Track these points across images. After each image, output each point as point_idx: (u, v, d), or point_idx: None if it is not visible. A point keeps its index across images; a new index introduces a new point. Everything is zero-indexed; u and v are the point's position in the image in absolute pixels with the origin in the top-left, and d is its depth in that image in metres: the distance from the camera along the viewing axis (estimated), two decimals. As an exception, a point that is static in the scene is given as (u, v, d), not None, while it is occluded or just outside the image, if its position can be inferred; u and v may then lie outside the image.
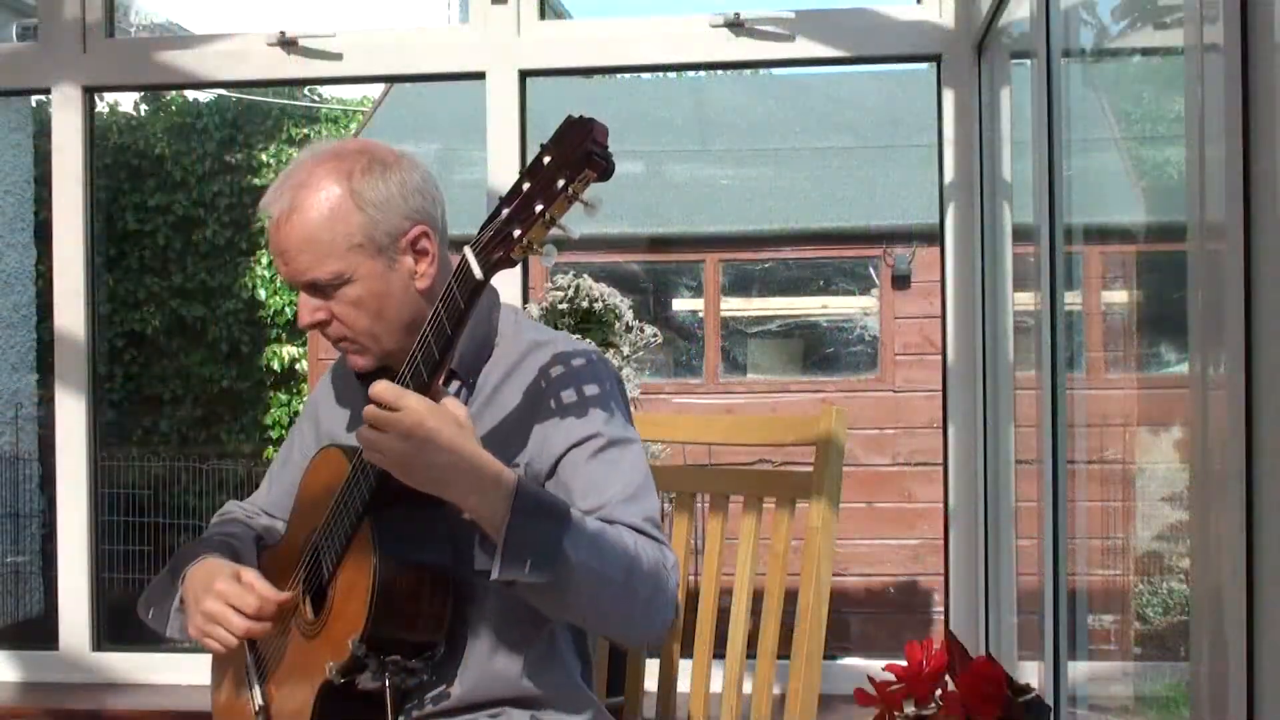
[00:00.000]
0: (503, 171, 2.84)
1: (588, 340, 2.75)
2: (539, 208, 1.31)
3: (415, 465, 1.40)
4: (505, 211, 1.34)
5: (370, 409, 1.41)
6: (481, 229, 1.37)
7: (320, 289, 1.55)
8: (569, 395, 1.57)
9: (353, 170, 1.55)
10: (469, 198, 3.72)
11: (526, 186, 1.32)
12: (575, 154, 1.29)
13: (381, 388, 1.41)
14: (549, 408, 1.57)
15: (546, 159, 1.31)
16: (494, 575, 1.42)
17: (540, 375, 1.58)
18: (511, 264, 1.36)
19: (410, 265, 1.56)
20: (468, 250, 1.38)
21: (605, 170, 1.29)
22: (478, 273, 1.37)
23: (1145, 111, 2.85)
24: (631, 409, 1.69)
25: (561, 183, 1.29)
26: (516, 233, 1.33)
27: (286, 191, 1.55)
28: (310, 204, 1.53)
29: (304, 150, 1.61)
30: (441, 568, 1.54)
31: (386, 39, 2.96)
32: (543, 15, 2.89)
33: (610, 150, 1.30)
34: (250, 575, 1.58)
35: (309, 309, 1.57)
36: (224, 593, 1.56)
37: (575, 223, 1.34)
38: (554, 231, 1.34)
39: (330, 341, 1.62)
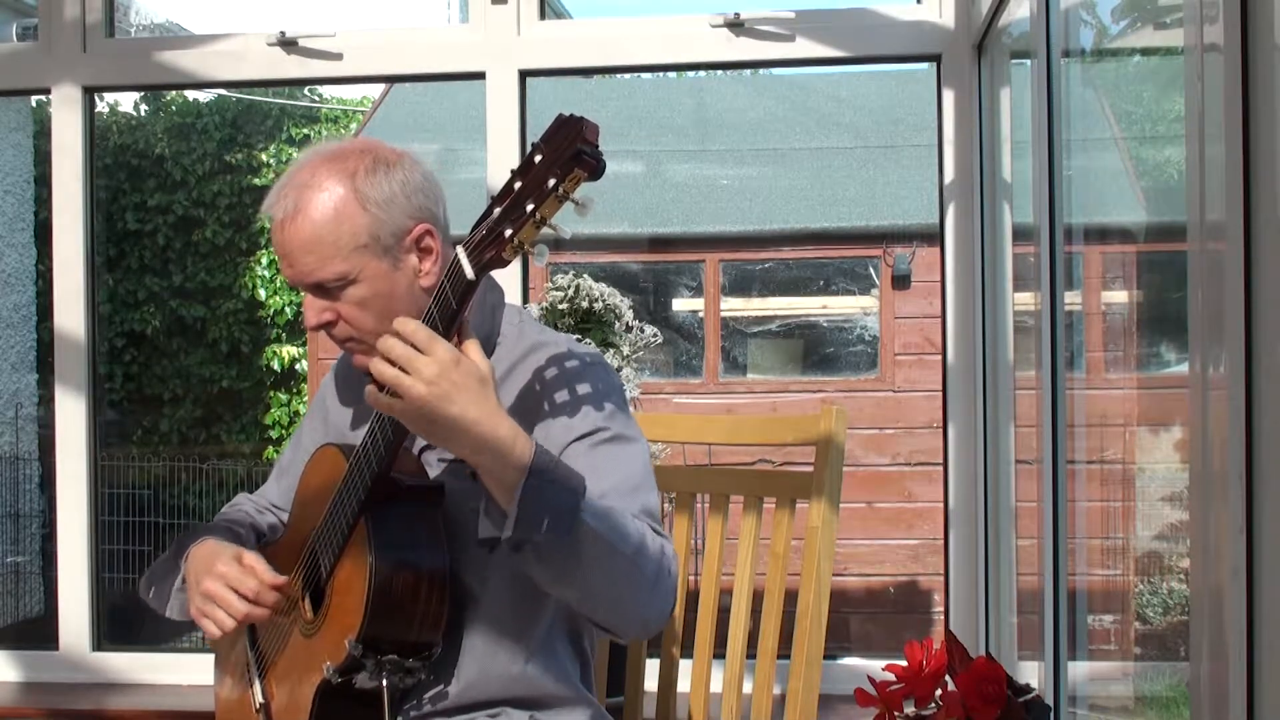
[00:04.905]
0: (502, 171, 2.83)
1: (589, 342, 2.75)
2: (530, 207, 1.30)
3: (433, 416, 1.35)
4: (497, 211, 1.33)
5: (401, 349, 1.36)
6: (474, 228, 1.36)
7: (326, 290, 1.55)
8: (569, 394, 1.56)
9: (356, 170, 1.54)
10: (469, 198, 3.71)
11: (518, 185, 1.32)
12: (566, 153, 1.28)
13: (413, 327, 1.36)
14: (549, 407, 1.56)
15: (537, 158, 1.31)
16: (506, 533, 1.37)
17: (540, 375, 1.58)
18: (503, 264, 1.35)
19: (415, 264, 1.56)
20: (459, 249, 1.38)
21: (595, 169, 1.28)
22: (469, 272, 1.36)
23: (1145, 111, 2.85)
24: (631, 410, 1.69)
25: (552, 182, 1.28)
26: (508, 232, 1.32)
27: (290, 192, 1.53)
28: (314, 205, 1.52)
29: (305, 150, 1.60)
30: (438, 567, 1.53)
31: (386, 39, 2.96)
32: (543, 15, 2.89)
33: (601, 149, 1.29)
34: (251, 558, 1.57)
35: (315, 310, 1.56)
36: (225, 574, 1.56)
37: (570, 222, 1.34)
38: (546, 231, 1.33)
39: (336, 342, 1.61)
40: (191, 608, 1.61)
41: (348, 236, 1.52)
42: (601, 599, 1.46)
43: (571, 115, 1.30)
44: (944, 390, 2.78)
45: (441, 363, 1.35)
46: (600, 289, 2.81)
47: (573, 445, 1.54)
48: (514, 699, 1.60)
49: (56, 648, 2.98)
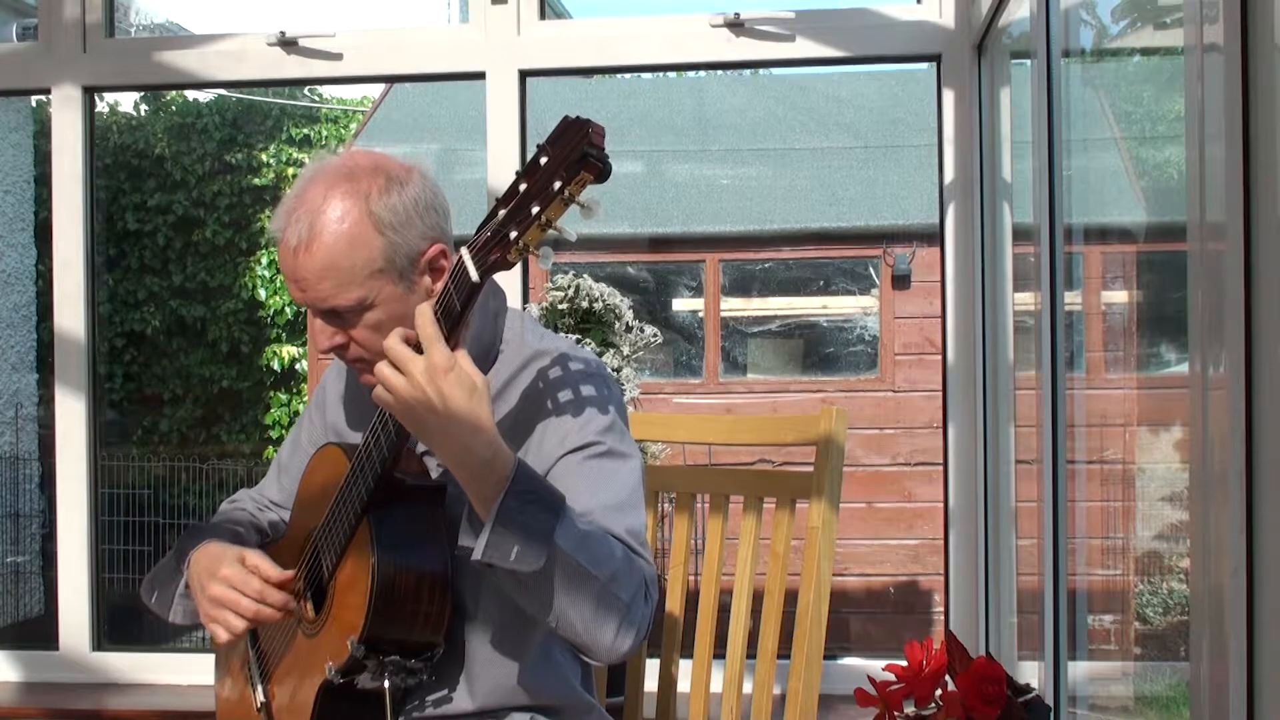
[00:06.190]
0: (503, 171, 2.84)
1: (589, 343, 2.75)
2: (535, 209, 1.29)
3: (417, 416, 1.38)
4: (502, 213, 1.32)
5: (400, 348, 1.39)
6: (478, 230, 1.36)
7: (340, 316, 1.52)
8: (567, 405, 1.56)
9: (370, 191, 1.50)
10: (469, 198, 3.72)
11: (523, 187, 1.31)
12: (572, 155, 1.27)
13: (423, 321, 1.38)
14: (549, 414, 1.55)
15: (543, 159, 1.30)
16: (475, 556, 1.39)
17: (541, 381, 1.57)
18: (508, 266, 1.35)
19: (428, 284, 1.54)
20: (464, 251, 1.37)
21: (602, 172, 1.27)
22: (474, 275, 1.36)
23: (1145, 111, 2.85)
24: (631, 410, 1.69)
25: (558, 184, 1.28)
26: (513, 234, 1.31)
27: (302, 216, 1.49)
28: (329, 230, 1.48)
29: (311, 166, 1.55)
30: (441, 568, 1.53)
31: (386, 39, 2.96)
32: (543, 15, 2.89)
33: (607, 152, 1.28)
34: (255, 558, 1.57)
35: (327, 335, 1.54)
36: (229, 577, 1.55)
37: (573, 222, 1.34)
38: (551, 233, 1.33)
39: (345, 362, 1.59)
40: (202, 615, 1.60)
41: (363, 262, 1.49)
42: (572, 621, 1.44)
43: (578, 117, 1.29)
44: (944, 390, 2.78)
45: (431, 366, 1.37)
46: (600, 289, 2.81)
47: (565, 458, 1.53)
48: (516, 704, 1.60)
49: (56, 648, 2.98)
